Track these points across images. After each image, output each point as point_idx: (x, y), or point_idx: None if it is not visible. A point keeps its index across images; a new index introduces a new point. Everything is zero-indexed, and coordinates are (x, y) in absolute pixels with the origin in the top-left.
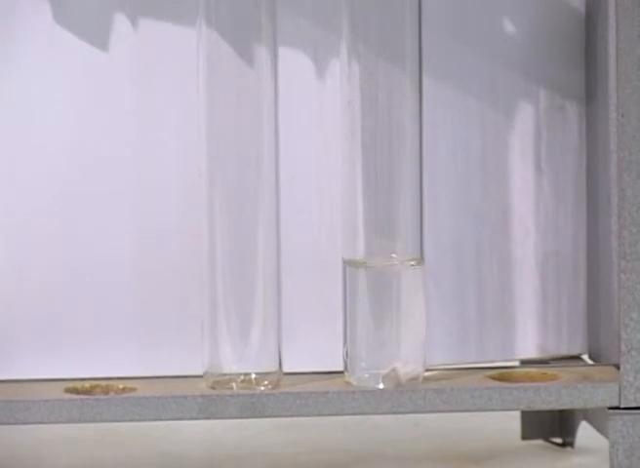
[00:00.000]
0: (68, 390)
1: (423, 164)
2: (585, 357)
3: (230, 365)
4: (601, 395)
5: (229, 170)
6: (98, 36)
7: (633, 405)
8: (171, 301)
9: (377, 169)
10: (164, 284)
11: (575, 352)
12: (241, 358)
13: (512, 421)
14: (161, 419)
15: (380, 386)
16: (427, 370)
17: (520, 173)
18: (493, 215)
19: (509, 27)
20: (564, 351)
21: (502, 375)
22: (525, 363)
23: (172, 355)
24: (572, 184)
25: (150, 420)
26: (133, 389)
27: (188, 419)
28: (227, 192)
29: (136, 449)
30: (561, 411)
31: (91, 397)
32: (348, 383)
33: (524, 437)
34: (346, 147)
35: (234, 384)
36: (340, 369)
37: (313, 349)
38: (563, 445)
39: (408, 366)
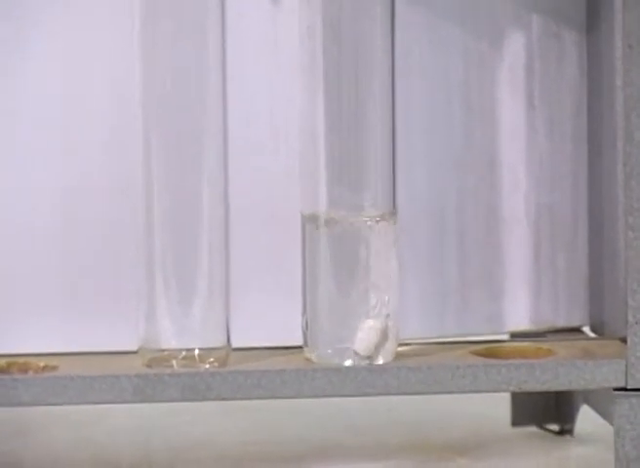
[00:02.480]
0: None
1: (396, 101)
2: (586, 329)
3: (169, 339)
4: (605, 374)
5: (168, 109)
6: None
7: None
8: (100, 264)
9: (341, 107)
10: (92, 244)
11: (574, 324)
12: (182, 331)
13: (501, 405)
14: (88, 403)
15: (346, 363)
16: (401, 345)
17: (509, 111)
18: (477, 163)
19: None
20: (561, 322)
21: (489, 351)
22: (516, 336)
23: (100, 327)
24: (570, 125)
25: (75, 404)
26: (54, 367)
27: (120, 403)
28: (166, 135)
29: (58, 438)
30: (558, 393)
31: (6, 376)
32: (308, 360)
33: (515, 423)
34: (306, 81)
35: (174, 361)
36: (299, 343)
37: (267, 320)
38: (560, 432)
39: (367, 341)
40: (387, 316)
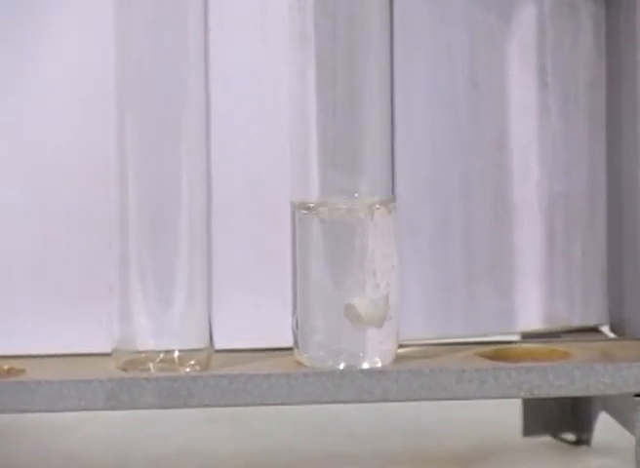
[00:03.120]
0: None
1: (395, 78)
2: (605, 329)
3: (146, 339)
4: (625, 378)
5: (144, 86)
6: None
7: None
8: (69, 257)
9: (335, 83)
10: (61, 234)
11: (591, 322)
12: (160, 330)
13: (511, 412)
14: (57, 410)
15: (341, 367)
16: (401, 347)
17: (519, 89)
18: (484, 145)
19: None
20: (577, 321)
21: (498, 353)
22: (527, 336)
23: (70, 327)
24: (586, 104)
25: (44, 411)
26: (21, 371)
27: (93, 410)
28: (141, 114)
29: (27, 448)
30: (574, 400)
31: None
32: (299, 363)
33: (526, 432)
34: (296, 55)
35: (152, 364)
36: (289, 344)
37: (253, 319)
38: (577, 442)
39: (371, 302)
40: (385, 315)
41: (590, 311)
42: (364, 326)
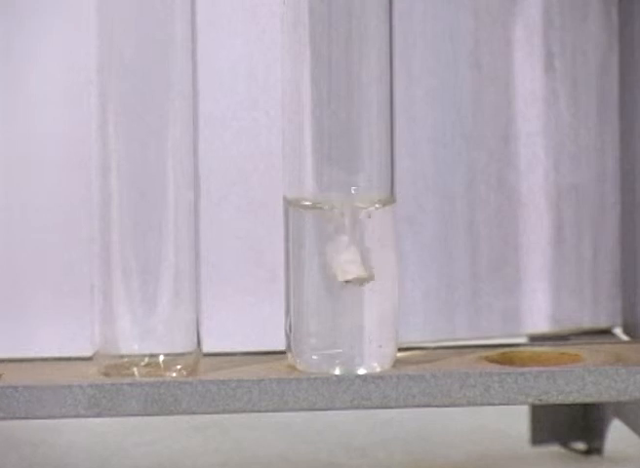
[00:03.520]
0: None
1: (395, 66)
2: (618, 331)
3: (130, 343)
4: (639, 383)
5: (128, 75)
6: None
7: None
8: (48, 256)
9: (330, 73)
10: (39, 230)
11: (603, 324)
12: (145, 333)
13: (519, 420)
14: (35, 417)
15: (336, 372)
16: (401, 350)
17: (525, 74)
18: (489, 136)
19: None
20: (588, 323)
21: (504, 357)
22: (535, 339)
23: (49, 330)
24: (596, 90)
25: (21, 418)
26: None
27: (73, 417)
28: (125, 105)
29: (3, 458)
30: (585, 406)
31: None
32: (292, 368)
33: (535, 441)
34: (289, 43)
35: (136, 369)
36: (282, 348)
37: (243, 321)
38: (588, 451)
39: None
40: (384, 317)
41: (602, 312)
42: (351, 275)
